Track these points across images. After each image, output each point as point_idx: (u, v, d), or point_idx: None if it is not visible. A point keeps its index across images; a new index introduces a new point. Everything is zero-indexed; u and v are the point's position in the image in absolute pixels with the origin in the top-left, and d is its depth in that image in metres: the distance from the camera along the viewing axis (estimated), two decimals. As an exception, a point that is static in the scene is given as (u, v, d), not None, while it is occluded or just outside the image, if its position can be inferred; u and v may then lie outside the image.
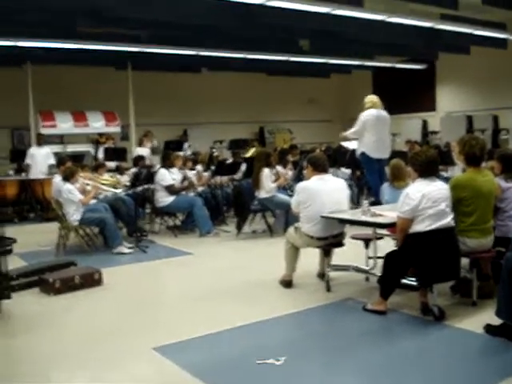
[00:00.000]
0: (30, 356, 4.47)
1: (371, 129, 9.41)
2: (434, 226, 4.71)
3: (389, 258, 5.01)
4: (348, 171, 11.66)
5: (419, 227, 4.74)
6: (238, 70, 16.68)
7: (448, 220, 4.80)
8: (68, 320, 5.33)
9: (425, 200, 4.69)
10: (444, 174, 10.33)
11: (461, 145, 5.20)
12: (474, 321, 4.71)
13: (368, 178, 10.00)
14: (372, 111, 9.47)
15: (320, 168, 5.85)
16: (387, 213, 5.45)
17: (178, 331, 4.82)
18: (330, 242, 5.79)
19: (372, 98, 9.68)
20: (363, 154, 9.59)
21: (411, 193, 4.79)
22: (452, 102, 16.94)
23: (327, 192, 5.73)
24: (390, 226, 5.30)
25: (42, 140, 12.66)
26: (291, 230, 6.00)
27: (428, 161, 4.88)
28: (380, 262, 5.81)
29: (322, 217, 5.59)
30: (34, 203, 12.03)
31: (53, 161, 12.10)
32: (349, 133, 9.80)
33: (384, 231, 5.98)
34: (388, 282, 5.01)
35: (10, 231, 8.44)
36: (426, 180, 4.83)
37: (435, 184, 4.84)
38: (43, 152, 12.35)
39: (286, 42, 13.36)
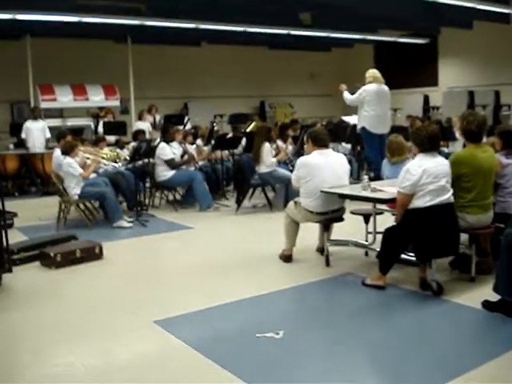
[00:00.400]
0: (31, 329, 4.51)
1: (371, 103, 9.41)
2: (433, 202, 4.70)
3: (388, 233, 5.03)
4: (348, 146, 11.63)
5: (419, 203, 4.74)
6: (239, 44, 16.57)
7: (448, 196, 4.80)
8: (69, 293, 5.36)
9: (425, 175, 4.69)
10: (445, 149, 10.33)
11: (460, 121, 5.20)
12: (473, 296, 4.74)
13: (368, 153, 9.99)
14: (373, 86, 9.47)
15: (321, 143, 5.83)
16: (387, 188, 5.45)
17: (178, 305, 4.86)
18: (329, 217, 5.81)
19: (374, 73, 9.65)
20: (364, 128, 9.59)
21: (412, 168, 4.78)
22: (454, 77, 16.83)
23: (327, 167, 5.72)
24: (389, 201, 5.31)
25: (38, 113, 12.58)
26: (291, 204, 6.01)
27: (429, 136, 4.84)
28: (379, 237, 5.84)
29: (322, 192, 5.59)
30: (34, 177, 12.05)
31: (49, 134, 12.14)
32: (346, 97, 9.80)
33: (384, 206, 5.98)
34: (387, 257, 5.04)
35: (10, 205, 8.52)
36: (427, 156, 4.81)
37: (436, 160, 4.82)
38: (39, 126, 12.28)
39: (287, 15, 13.23)
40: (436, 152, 4.91)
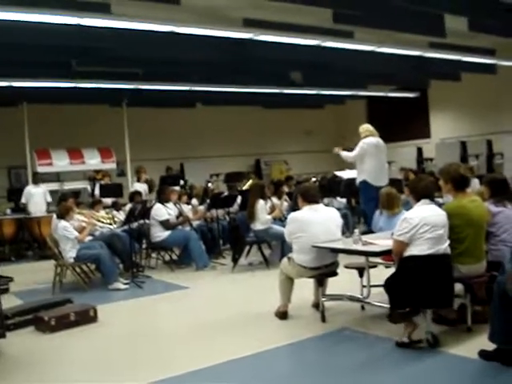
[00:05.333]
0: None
1: (372, 157, 9.47)
2: (431, 251, 4.69)
3: (388, 284, 4.97)
4: (343, 200, 11.71)
5: (416, 250, 4.73)
6: (233, 104, 16.85)
7: (445, 246, 4.80)
8: (62, 358, 5.30)
9: (422, 224, 4.70)
10: (440, 200, 10.35)
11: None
12: (469, 346, 4.67)
13: (364, 207, 10.00)
14: (371, 139, 9.55)
15: (310, 198, 5.87)
16: (379, 241, 5.46)
17: (173, 365, 4.80)
18: (322, 272, 5.78)
19: (368, 127, 9.76)
20: (364, 181, 9.59)
21: (409, 217, 4.81)
22: (446, 128, 17.09)
23: (318, 222, 5.74)
24: (380, 254, 5.31)
25: (39, 179, 12.73)
26: (285, 260, 6.01)
27: (426, 186, 4.95)
28: (374, 290, 5.83)
29: (314, 246, 5.60)
30: (31, 241, 12.06)
31: (50, 199, 12.26)
32: (346, 155, 9.81)
33: (378, 259, 5.98)
34: (398, 305, 4.92)
35: (7, 270, 8.54)
36: (423, 205, 4.87)
37: (432, 208, 4.87)
38: (40, 190, 12.45)
39: (278, 75, 13.54)
40: (432, 201, 4.96)
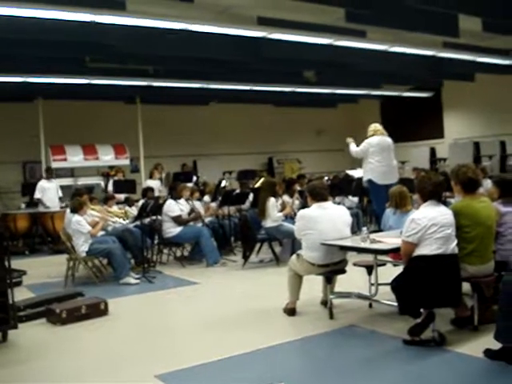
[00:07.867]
0: (35, 382, 4.53)
1: (375, 155, 9.45)
2: (440, 251, 4.72)
3: (394, 284, 5.00)
4: (355, 199, 11.72)
5: (425, 250, 4.76)
6: (246, 102, 16.90)
7: (453, 245, 4.83)
8: (72, 349, 5.38)
9: (430, 224, 4.73)
10: (452, 200, 10.34)
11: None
12: (475, 345, 4.69)
13: (375, 206, 10.01)
14: (374, 138, 9.54)
15: (318, 197, 5.91)
16: (386, 239, 5.49)
17: (180, 359, 4.87)
18: (331, 269, 5.82)
19: (374, 126, 9.74)
20: (370, 181, 9.60)
21: (417, 218, 4.82)
22: (459, 128, 17.03)
23: (327, 219, 5.79)
24: (388, 252, 5.34)
25: (51, 174, 12.82)
26: (293, 257, 6.06)
27: (433, 186, 4.93)
28: (382, 288, 5.86)
29: (323, 244, 5.64)
30: (44, 236, 12.17)
31: (61, 194, 12.40)
32: (353, 148, 9.84)
33: (386, 257, 6.01)
34: (408, 305, 4.97)
35: (20, 264, 8.64)
36: (430, 205, 4.88)
37: (440, 209, 4.88)
38: (53, 185, 12.55)
39: (291, 73, 13.56)
40: (439, 201, 4.97)
